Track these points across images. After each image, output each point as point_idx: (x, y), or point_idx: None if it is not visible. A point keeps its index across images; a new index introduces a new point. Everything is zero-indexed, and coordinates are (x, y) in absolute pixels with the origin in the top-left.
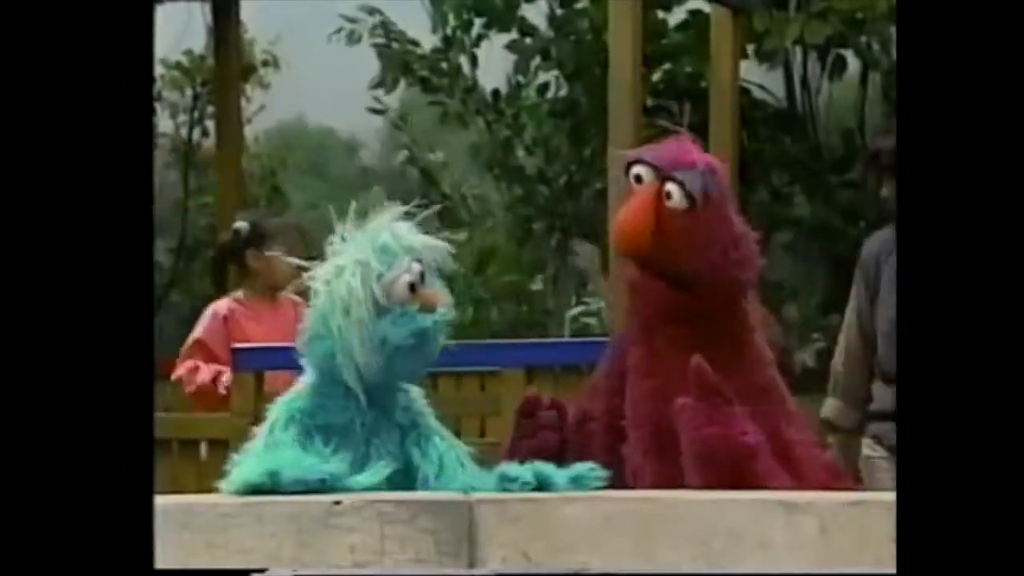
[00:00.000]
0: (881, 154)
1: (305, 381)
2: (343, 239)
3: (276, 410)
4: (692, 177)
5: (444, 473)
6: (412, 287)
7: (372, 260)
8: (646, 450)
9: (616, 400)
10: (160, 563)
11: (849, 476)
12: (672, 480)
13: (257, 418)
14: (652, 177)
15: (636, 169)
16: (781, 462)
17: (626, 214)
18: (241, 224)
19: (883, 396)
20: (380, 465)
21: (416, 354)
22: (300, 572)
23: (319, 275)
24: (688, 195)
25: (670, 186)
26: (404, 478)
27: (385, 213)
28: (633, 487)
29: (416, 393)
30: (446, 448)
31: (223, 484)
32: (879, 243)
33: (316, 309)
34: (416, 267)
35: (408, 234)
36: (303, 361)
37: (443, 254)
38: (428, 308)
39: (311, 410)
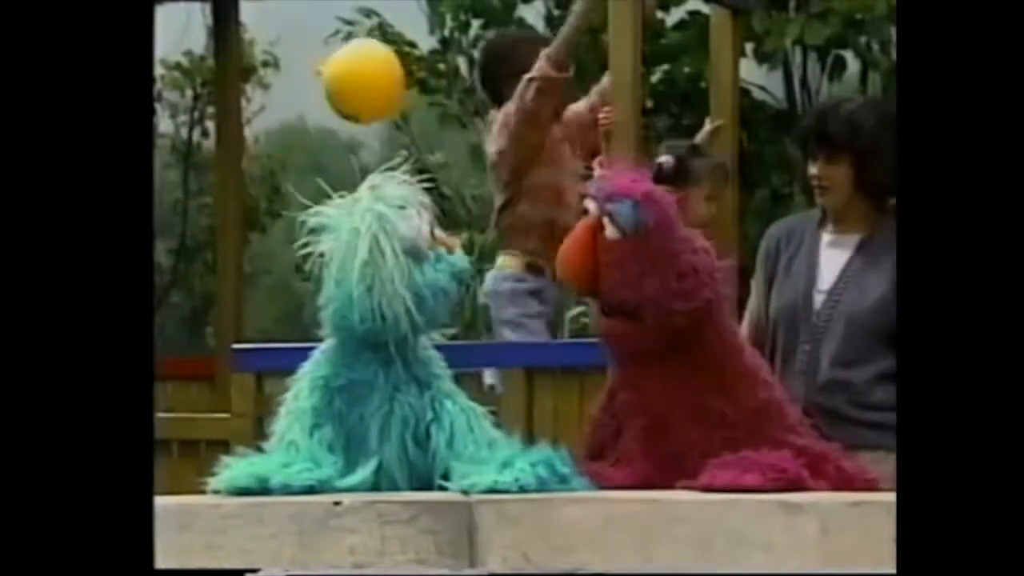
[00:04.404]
0: (806, 132)
1: (324, 348)
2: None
3: (298, 382)
4: (621, 209)
5: (455, 440)
6: (432, 233)
7: (389, 214)
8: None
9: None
10: (160, 563)
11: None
12: None
13: (257, 418)
14: (595, 209)
15: (585, 202)
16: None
17: (566, 245)
18: (666, 159)
19: None
20: (367, 465)
21: (451, 296)
22: (296, 573)
23: (330, 241)
24: (619, 227)
25: (605, 218)
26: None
27: (369, 178)
28: None
29: (434, 353)
30: (457, 413)
31: (214, 482)
32: (780, 230)
33: (339, 273)
34: (425, 215)
35: (401, 187)
36: (325, 328)
37: (428, 202)
38: (450, 251)
39: (333, 373)
